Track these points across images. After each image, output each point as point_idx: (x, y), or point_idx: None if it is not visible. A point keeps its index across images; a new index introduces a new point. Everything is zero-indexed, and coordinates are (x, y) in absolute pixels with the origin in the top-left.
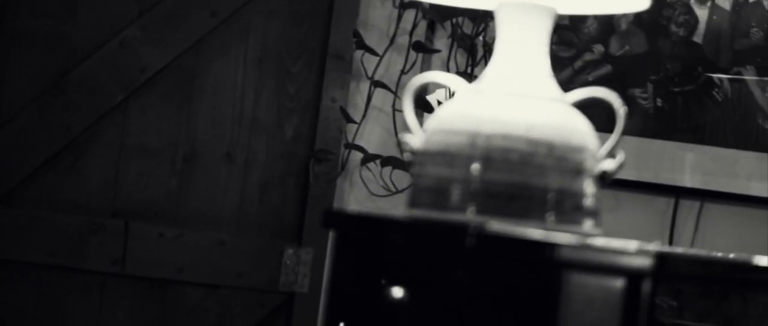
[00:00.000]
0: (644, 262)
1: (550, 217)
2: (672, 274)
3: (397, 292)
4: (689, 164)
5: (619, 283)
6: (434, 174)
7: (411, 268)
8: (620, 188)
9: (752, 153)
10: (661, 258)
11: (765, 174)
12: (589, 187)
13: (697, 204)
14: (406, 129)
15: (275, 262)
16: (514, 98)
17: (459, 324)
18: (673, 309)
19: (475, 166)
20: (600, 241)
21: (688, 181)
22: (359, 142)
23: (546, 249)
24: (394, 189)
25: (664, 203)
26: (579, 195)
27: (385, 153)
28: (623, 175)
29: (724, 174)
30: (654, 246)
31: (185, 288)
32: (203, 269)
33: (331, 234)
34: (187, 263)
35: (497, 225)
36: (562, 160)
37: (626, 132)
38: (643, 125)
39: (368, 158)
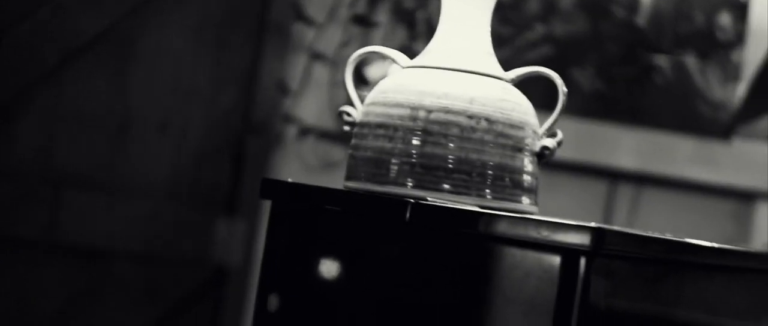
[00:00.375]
0: (582, 239)
1: (489, 193)
2: (610, 252)
3: (333, 265)
4: (627, 147)
5: (555, 259)
6: (373, 146)
7: (347, 241)
8: (557, 170)
9: (691, 137)
10: (599, 234)
11: (703, 160)
12: (528, 164)
13: (634, 187)
14: (345, 102)
15: (208, 234)
16: (456, 73)
17: (395, 298)
18: (608, 288)
19: (415, 140)
20: (537, 216)
21: (625, 164)
22: (296, 114)
23: (483, 223)
24: (329, 163)
25: (601, 186)
26: (518, 171)
27: (322, 126)
28: (561, 157)
29: (662, 159)
30: (592, 223)
31: (116, 258)
32: (135, 239)
33: (265, 206)
34: (118, 233)
35: (435, 199)
36: (502, 136)
37: (565, 113)
38: (582, 107)
39: (304, 131)
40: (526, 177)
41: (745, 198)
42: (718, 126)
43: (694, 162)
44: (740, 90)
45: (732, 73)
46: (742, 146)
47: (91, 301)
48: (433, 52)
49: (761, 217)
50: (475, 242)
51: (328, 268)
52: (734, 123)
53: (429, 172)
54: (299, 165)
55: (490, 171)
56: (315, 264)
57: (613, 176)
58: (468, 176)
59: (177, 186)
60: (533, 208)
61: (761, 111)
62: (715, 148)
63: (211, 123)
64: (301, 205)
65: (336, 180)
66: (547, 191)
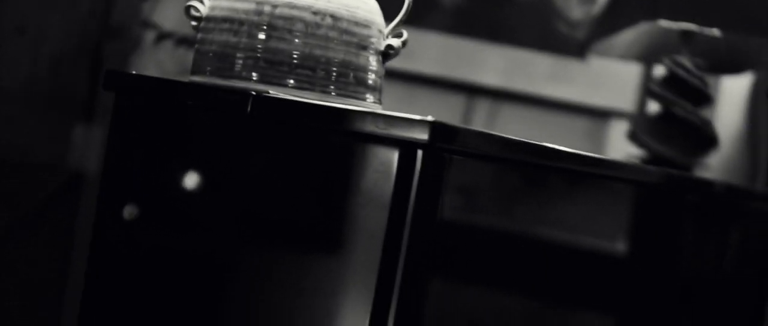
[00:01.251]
0: (420, 133)
1: (333, 89)
2: (447, 147)
3: (176, 161)
4: (487, 63)
5: (393, 153)
6: (218, 40)
7: (191, 136)
8: (417, 83)
9: (548, 55)
10: (435, 128)
11: (559, 77)
12: (373, 63)
13: (491, 103)
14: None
15: (65, 140)
16: None
17: (238, 191)
18: (447, 183)
19: (260, 34)
20: (378, 110)
21: (484, 80)
22: (155, 19)
23: (321, 115)
24: (186, 69)
25: (460, 101)
26: (362, 69)
27: (180, 32)
28: (421, 71)
29: (520, 76)
30: (430, 117)
31: None
32: None
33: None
34: None
35: (279, 94)
36: (347, 33)
37: (426, 28)
38: (444, 22)
39: (162, 36)
40: (371, 75)
41: (600, 115)
42: (575, 44)
43: (551, 79)
44: (596, 9)
45: None
46: (597, 65)
47: None
48: None
49: (614, 135)
50: (315, 135)
51: (172, 164)
52: (589, 41)
53: (273, 67)
54: (157, 70)
55: (334, 68)
56: (159, 159)
57: (471, 91)
58: (312, 72)
59: (33, 91)
60: (377, 106)
61: (614, 29)
62: (571, 66)
63: (69, 27)
64: (143, 98)
65: None
66: (406, 104)
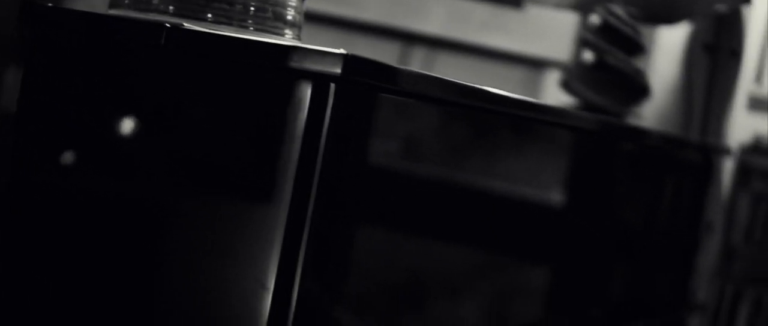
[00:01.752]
0: (332, 66)
1: (251, 24)
2: (359, 81)
3: (93, 95)
4: (428, 12)
5: (307, 86)
6: None
7: (107, 68)
8: (353, 30)
9: (486, 4)
10: (348, 60)
11: (496, 27)
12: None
13: (430, 51)
14: None
15: None
16: None
17: (154, 125)
18: (361, 117)
19: None
20: (290, 43)
21: (422, 28)
22: None
23: (233, 47)
24: None
25: (398, 48)
26: (281, 4)
27: None
28: (357, 18)
29: (457, 24)
30: (342, 50)
31: None
32: None
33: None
34: None
35: (195, 27)
36: None
37: None
38: None
39: None
40: (290, 11)
41: (535, 65)
42: None
43: (488, 28)
44: None
45: None
46: (533, 13)
47: None
48: None
49: (550, 84)
50: (229, 68)
51: (87, 100)
52: None
53: (190, 1)
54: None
55: (252, 3)
56: (74, 95)
57: (408, 39)
58: (229, 6)
59: None
60: (296, 43)
61: None
62: (508, 15)
63: None
64: (58, 32)
65: None
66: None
